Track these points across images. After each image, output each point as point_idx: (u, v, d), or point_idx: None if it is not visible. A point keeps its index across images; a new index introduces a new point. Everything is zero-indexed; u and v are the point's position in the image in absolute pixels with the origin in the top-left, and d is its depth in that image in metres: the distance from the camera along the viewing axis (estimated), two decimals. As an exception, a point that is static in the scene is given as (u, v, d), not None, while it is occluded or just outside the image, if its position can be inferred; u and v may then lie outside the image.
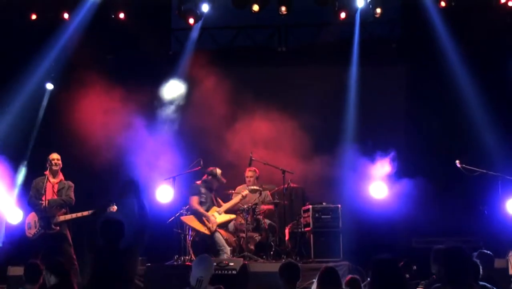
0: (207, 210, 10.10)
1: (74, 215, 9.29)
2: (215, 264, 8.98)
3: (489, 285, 5.00)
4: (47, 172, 9.36)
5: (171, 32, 12.41)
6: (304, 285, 8.28)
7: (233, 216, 10.24)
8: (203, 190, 10.30)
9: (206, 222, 9.91)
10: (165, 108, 11.60)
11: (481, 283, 4.93)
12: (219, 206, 10.31)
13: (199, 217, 9.98)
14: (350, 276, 5.92)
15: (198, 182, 10.37)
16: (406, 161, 10.81)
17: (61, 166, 9.54)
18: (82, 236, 9.59)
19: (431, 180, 10.57)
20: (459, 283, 4.58)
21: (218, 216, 10.07)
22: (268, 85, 11.67)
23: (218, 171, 10.35)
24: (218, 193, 10.68)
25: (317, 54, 11.59)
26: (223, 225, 10.12)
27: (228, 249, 9.82)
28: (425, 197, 10.61)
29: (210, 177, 10.30)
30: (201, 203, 10.17)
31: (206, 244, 9.84)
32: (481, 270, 5.17)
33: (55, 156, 9.55)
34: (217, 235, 9.89)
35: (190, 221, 9.99)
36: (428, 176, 10.50)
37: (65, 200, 9.33)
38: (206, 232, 9.86)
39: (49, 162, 9.49)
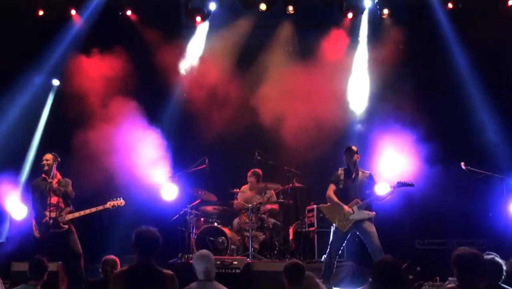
0: None
1: (82, 212, 9.28)
2: (218, 262, 9.05)
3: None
4: (44, 174, 9.26)
5: (181, 30, 12.40)
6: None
7: None
8: None
9: None
10: (173, 104, 11.65)
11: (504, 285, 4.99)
12: None
13: None
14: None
15: None
16: (411, 163, 10.77)
17: (54, 165, 9.19)
18: (87, 233, 9.65)
19: (435, 182, 10.54)
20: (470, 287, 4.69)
21: None
22: (275, 84, 11.64)
23: None
24: (222, 192, 10.73)
25: (324, 54, 11.59)
26: None
27: None
28: (429, 199, 10.61)
29: None
30: None
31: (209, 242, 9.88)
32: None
33: (45, 156, 9.32)
34: None
35: None
36: (432, 178, 10.47)
37: (67, 191, 9.26)
38: None
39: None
